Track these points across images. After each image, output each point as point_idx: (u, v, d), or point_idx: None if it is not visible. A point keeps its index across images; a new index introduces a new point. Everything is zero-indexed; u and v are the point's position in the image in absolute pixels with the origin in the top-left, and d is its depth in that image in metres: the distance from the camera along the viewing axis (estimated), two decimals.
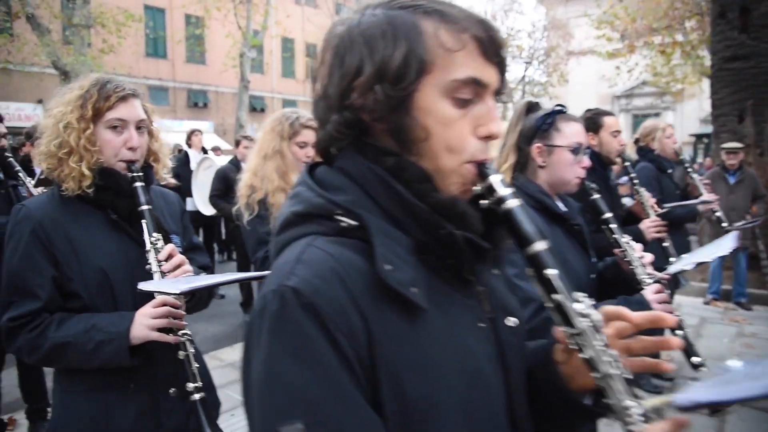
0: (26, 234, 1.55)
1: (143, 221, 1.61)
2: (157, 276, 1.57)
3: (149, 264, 1.60)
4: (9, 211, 3.29)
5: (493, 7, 24.76)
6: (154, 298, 1.56)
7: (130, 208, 1.64)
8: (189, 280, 1.58)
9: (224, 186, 5.46)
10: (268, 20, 18.70)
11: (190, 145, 7.52)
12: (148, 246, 1.60)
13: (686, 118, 26.10)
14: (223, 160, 7.16)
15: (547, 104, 2.00)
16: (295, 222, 0.81)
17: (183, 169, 6.94)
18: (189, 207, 6.38)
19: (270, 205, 2.49)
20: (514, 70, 34.45)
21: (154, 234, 1.61)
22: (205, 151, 7.42)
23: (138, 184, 1.63)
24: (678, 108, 26.55)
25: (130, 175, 1.64)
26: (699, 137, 15.96)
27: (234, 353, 4.98)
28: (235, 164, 5.78)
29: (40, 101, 16.81)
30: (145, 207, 1.62)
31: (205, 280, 1.58)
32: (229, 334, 5.65)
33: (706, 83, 15.82)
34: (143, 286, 1.45)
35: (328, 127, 0.82)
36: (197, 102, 24.78)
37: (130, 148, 1.64)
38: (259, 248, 2.46)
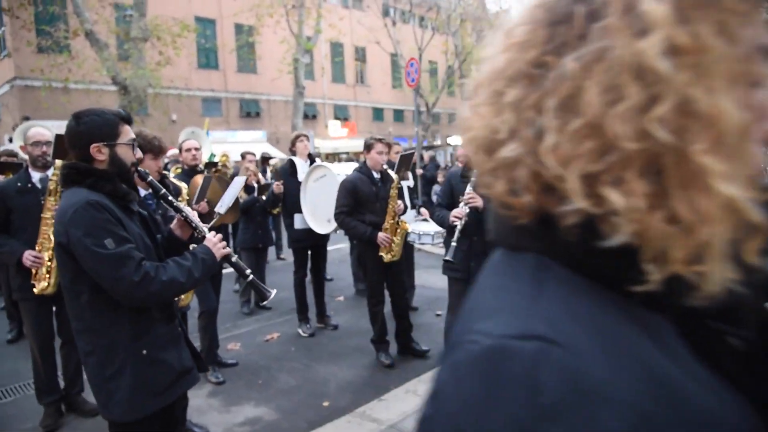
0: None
1: None
2: None
3: None
4: None
5: None
6: None
7: None
8: None
9: (353, 200, 4.62)
10: (320, 23, 18.50)
11: (294, 152, 6.02)
12: None
13: None
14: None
15: None
16: None
17: (290, 180, 5.72)
18: (297, 225, 5.54)
19: None
20: None
21: None
22: (312, 159, 5.98)
23: None
24: None
25: None
26: None
27: (384, 410, 3.67)
28: (366, 173, 4.71)
29: None
30: None
31: None
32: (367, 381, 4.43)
33: None
34: None
35: None
36: (249, 111, 24.91)
37: None
38: None
